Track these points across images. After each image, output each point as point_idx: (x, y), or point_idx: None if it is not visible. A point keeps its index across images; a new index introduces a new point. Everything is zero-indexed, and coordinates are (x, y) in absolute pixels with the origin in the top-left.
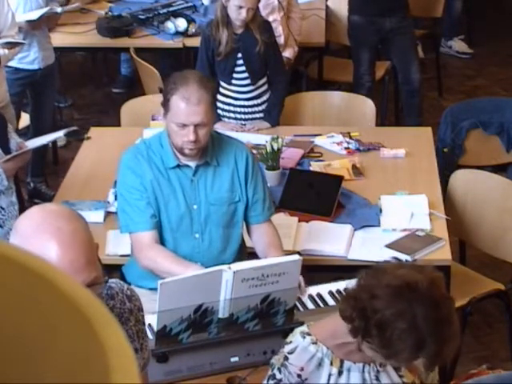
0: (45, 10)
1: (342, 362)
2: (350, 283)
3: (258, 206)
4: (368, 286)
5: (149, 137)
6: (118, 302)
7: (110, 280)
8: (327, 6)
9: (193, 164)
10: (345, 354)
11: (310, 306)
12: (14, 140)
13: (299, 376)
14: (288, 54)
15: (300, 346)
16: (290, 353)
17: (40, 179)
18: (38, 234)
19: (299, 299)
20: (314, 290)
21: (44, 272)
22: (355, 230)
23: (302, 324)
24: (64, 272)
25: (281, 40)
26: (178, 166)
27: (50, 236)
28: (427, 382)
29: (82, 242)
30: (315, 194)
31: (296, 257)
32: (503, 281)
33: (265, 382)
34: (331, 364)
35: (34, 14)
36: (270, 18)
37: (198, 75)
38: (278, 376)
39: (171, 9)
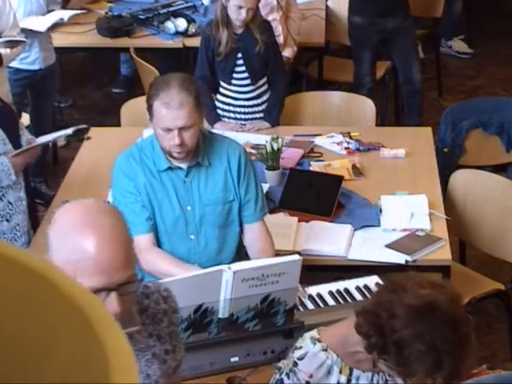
0: (52, 21)
1: (351, 370)
2: (350, 284)
3: (249, 206)
4: (387, 302)
5: (142, 140)
6: (153, 302)
7: (148, 279)
8: (327, 6)
9: (184, 165)
10: (354, 362)
11: (310, 306)
12: (25, 136)
13: (308, 383)
14: (287, 53)
15: (310, 352)
16: (300, 359)
17: (40, 179)
18: (78, 230)
19: (299, 299)
20: (313, 290)
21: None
22: (355, 230)
23: (302, 324)
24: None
25: (280, 39)
26: (170, 168)
27: (89, 232)
28: None
29: (121, 240)
30: (315, 194)
31: (296, 257)
32: (503, 281)
33: None
34: (340, 372)
35: (41, 25)
36: (269, 18)
37: (180, 78)
38: (286, 381)
39: (171, 9)
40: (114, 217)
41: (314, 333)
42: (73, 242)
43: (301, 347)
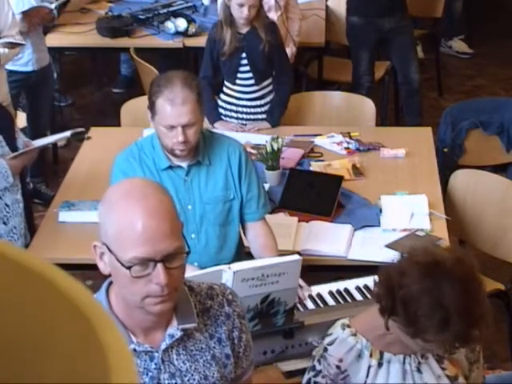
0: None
1: (381, 353)
2: (350, 284)
3: (252, 204)
4: (399, 264)
5: (141, 139)
6: (216, 304)
7: (215, 282)
8: (327, 6)
9: (185, 164)
10: (384, 345)
11: (310, 305)
12: (21, 139)
13: (338, 367)
14: None
15: (339, 337)
16: (330, 344)
17: (40, 179)
18: (126, 199)
19: (299, 299)
20: (314, 289)
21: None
22: (355, 230)
23: (302, 324)
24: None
25: None
26: (171, 167)
27: (136, 201)
28: (471, 381)
29: (168, 211)
30: (315, 194)
31: (296, 257)
32: (503, 281)
33: (306, 374)
34: (371, 356)
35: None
36: None
37: (182, 75)
38: (318, 367)
39: (171, 9)
40: (159, 189)
41: (344, 320)
42: (119, 211)
43: (331, 334)
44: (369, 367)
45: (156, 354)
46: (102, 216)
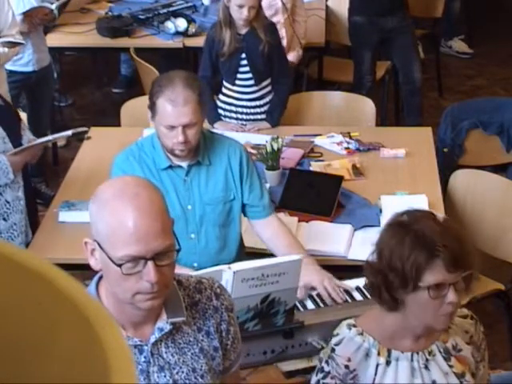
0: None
1: (389, 351)
2: (350, 284)
3: (255, 204)
4: (375, 249)
5: (142, 138)
6: (205, 298)
7: (204, 277)
8: (327, 6)
9: (185, 164)
10: (391, 343)
11: (310, 305)
12: (27, 136)
13: (347, 367)
14: (292, 57)
15: (346, 336)
16: (337, 344)
17: (40, 179)
18: (118, 198)
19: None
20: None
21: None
22: (355, 229)
23: (302, 324)
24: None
25: (284, 43)
26: (171, 166)
27: (128, 200)
28: (477, 379)
29: (159, 209)
30: (315, 194)
31: (296, 257)
32: (503, 281)
33: (314, 376)
34: (378, 354)
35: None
36: (273, 20)
37: (184, 75)
38: (326, 368)
39: (171, 9)
40: (150, 187)
41: (350, 320)
42: (111, 210)
43: (337, 334)
44: (377, 365)
45: (145, 348)
46: (94, 214)
